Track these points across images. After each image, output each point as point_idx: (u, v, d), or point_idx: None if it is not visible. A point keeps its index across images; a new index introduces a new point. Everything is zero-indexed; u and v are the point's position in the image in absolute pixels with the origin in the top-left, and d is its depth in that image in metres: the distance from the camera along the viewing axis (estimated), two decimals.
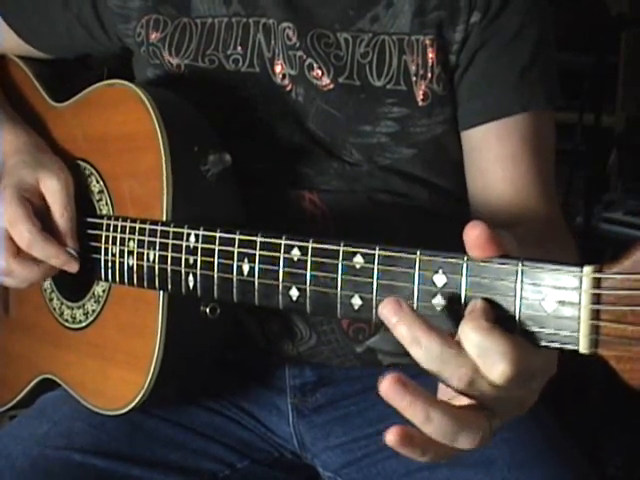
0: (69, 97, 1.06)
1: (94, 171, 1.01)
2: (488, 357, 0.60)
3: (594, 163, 2.49)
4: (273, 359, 1.06)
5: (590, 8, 2.63)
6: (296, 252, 0.75)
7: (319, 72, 0.98)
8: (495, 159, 0.99)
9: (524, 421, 0.99)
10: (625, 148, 2.82)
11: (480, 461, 0.95)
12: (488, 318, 0.61)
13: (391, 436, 0.61)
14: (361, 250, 0.70)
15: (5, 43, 1.15)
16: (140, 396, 0.92)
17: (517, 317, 0.62)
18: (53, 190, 0.98)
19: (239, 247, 0.80)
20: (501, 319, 0.61)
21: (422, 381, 1.02)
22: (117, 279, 0.95)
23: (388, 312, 0.62)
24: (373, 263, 0.69)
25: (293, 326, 1.01)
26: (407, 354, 1.04)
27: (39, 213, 0.98)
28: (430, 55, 0.97)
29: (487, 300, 0.62)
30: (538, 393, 0.67)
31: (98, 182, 1.00)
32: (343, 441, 1.05)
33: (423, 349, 0.61)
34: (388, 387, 0.60)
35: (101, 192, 1.00)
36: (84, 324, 1.01)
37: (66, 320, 1.04)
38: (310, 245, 0.74)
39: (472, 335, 0.60)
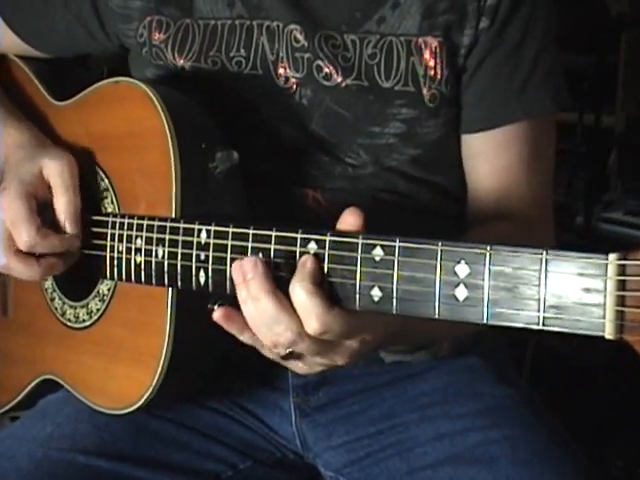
0: (70, 96, 1.05)
1: (98, 169, 1.00)
2: (306, 313, 0.75)
3: (594, 163, 2.51)
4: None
5: (590, 8, 2.65)
6: (313, 245, 0.76)
7: (328, 72, 0.98)
8: (489, 169, 1.03)
9: (527, 419, 1.01)
10: (625, 148, 2.86)
11: (483, 459, 0.95)
12: (315, 281, 0.75)
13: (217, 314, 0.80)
14: (381, 242, 0.71)
15: (5, 43, 1.14)
16: (147, 395, 0.92)
17: (542, 305, 0.62)
18: (54, 172, 0.98)
19: (253, 242, 0.80)
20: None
21: (421, 379, 1.05)
22: (124, 277, 0.94)
23: (244, 270, 0.77)
24: (394, 255, 0.70)
25: None
26: (410, 352, 1.06)
27: (44, 203, 0.98)
28: (439, 57, 0.98)
29: (316, 257, 0.75)
30: (364, 351, 0.81)
31: (103, 180, 1.00)
32: (345, 440, 1.05)
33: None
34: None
35: (106, 190, 0.99)
36: (88, 323, 1.01)
37: (68, 320, 1.03)
38: (328, 238, 0.75)
39: (300, 293, 0.75)
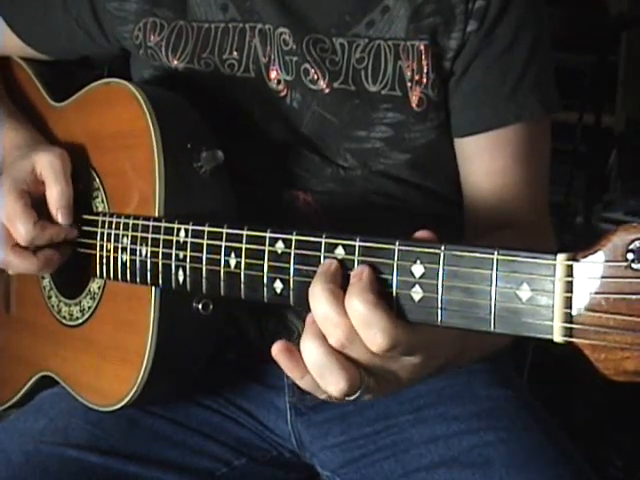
0: (69, 97, 1.07)
1: (90, 168, 1.02)
2: (370, 329, 0.67)
3: (594, 163, 2.48)
4: (270, 357, 1.06)
5: (590, 8, 2.63)
6: (280, 245, 0.76)
7: (315, 76, 0.98)
8: (485, 172, 1.02)
9: (524, 422, 0.99)
10: (625, 148, 2.81)
11: (478, 462, 0.94)
12: (374, 290, 0.67)
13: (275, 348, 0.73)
14: (342, 242, 0.70)
15: (8, 45, 1.17)
16: (133, 392, 0.93)
17: (492, 305, 0.61)
18: (45, 164, 0.99)
19: (226, 241, 0.81)
20: (384, 294, 0.68)
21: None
22: (111, 275, 0.95)
23: None
24: (354, 254, 0.69)
25: (289, 323, 1.02)
26: None
27: (39, 199, 0.99)
28: (425, 61, 0.97)
29: (373, 268, 0.68)
30: (427, 371, 0.74)
31: (94, 179, 1.01)
32: (341, 440, 1.05)
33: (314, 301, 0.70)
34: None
35: (97, 189, 1.01)
36: (80, 321, 1.02)
37: (64, 317, 1.05)
38: (293, 237, 0.74)
39: (359, 307, 0.67)
